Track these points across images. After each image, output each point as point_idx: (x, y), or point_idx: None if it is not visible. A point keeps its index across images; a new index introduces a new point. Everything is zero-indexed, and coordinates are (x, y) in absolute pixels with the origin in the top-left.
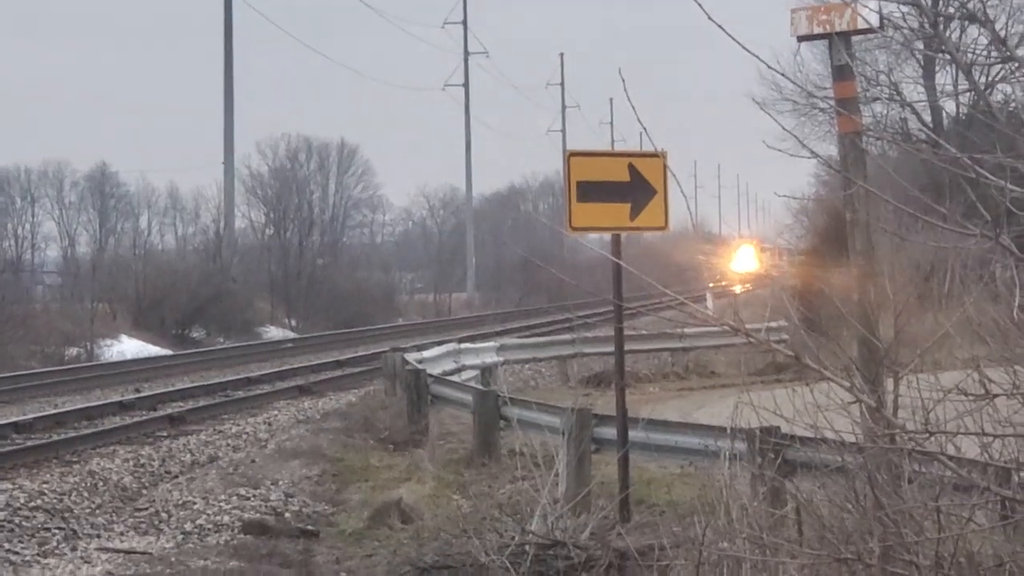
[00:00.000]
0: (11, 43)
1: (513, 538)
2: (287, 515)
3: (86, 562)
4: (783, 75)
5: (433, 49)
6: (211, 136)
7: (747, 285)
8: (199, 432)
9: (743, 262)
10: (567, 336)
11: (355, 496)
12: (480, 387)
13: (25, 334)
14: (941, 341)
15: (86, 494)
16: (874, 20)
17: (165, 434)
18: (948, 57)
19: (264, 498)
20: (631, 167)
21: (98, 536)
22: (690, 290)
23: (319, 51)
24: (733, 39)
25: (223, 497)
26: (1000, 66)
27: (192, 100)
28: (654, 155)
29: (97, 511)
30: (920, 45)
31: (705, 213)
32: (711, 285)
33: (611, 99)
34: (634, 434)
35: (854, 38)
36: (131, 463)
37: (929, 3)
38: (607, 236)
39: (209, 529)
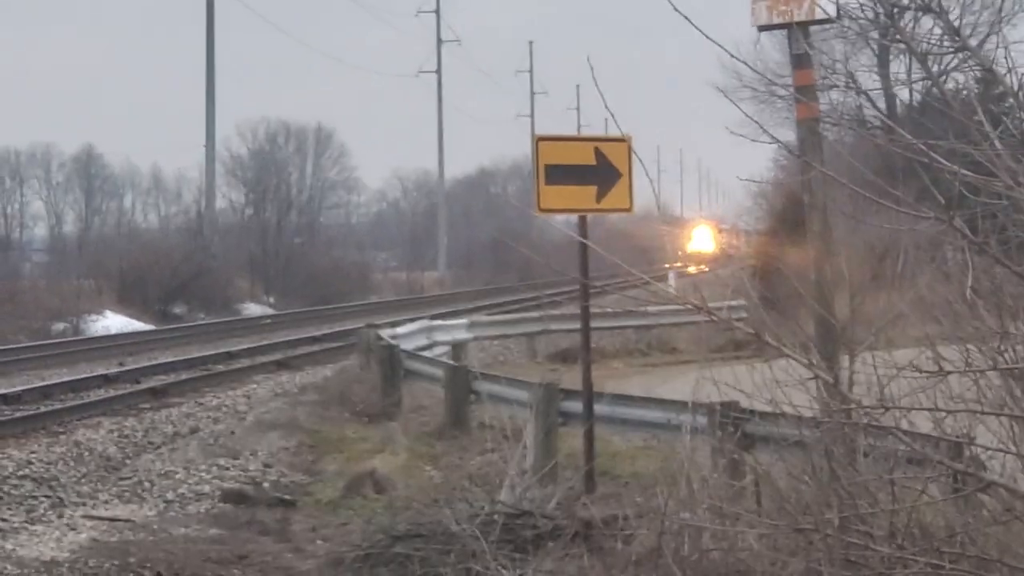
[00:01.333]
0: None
1: (483, 508)
2: (265, 485)
3: (72, 529)
4: (744, 63)
5: (407, 37)
6: (193, 120)
7: (702, 266)
8: (181, 404)
9: (700, 242)
10: (535, 313)
11: (331, 467)
12: (451, 362)
13: (13, 309)
14: (895, 320)
15: (72, 464)
16: (831, 10)
17: (148, 406)
18: (903, 46)
19: (243, 468)
20: (597, 151)
21: (83, 504)
22: (653, 270)
23: (297, 37)
24: (697, 28)
25: (203, 467)
26: (953, 55)
27: (175, 85)
28: (619, 140)
29: (83, 480)
30: (876, 35)
31: (668, 196)
32: (666, 265)
33: (578, 86)
34: (599, 408)
35: (812, 28)
36: (115, 434)
37: None
38: (574, 217)
39: (190, 498)
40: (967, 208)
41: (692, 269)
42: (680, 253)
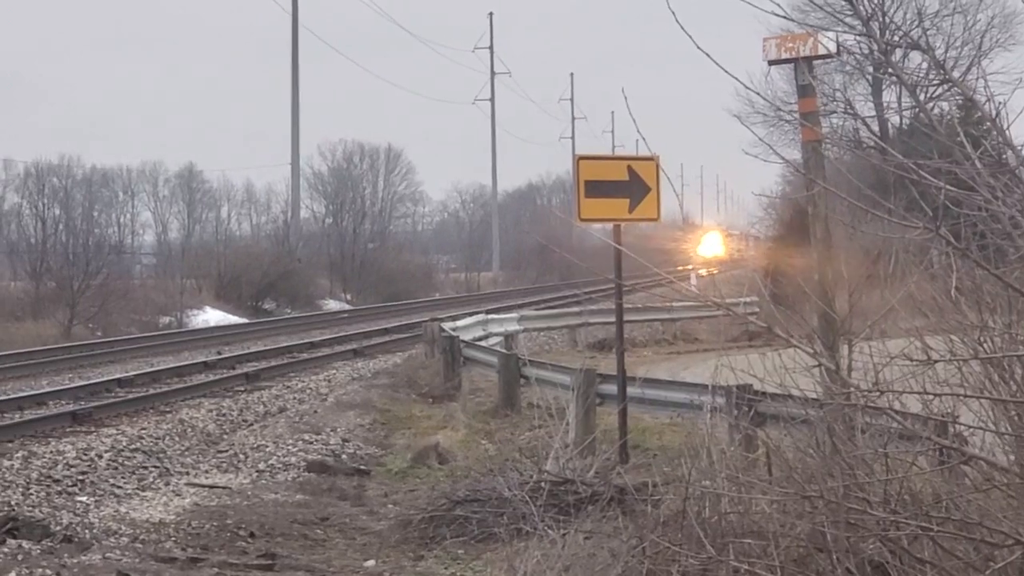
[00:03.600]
0: (114, 63)
1: (531, 476)
2: (344, 456)
3: (177, 495)
4: (756, 93)
5: (465, 69)
6: (281, 141)
7: (712, 269)
8: (271, 387)
9: (710, 247)
10: (576, 309)
11: (400, 441)
12: (504, 351)
13: (126, 305)
14: (888, 314)
15: (177, 438)
16: (832, 47)
17: (242, 389)
18: (895, 78)
19: (325, 442)
20: (629, 168)
21: (187, 473)
22: (677, 271)
23: (370, 70)
24: (716, 63)
25: (291, 441)
26: (938, 86)
27: (265, 111)
28: (648, 159)
29: (186, 452)
30: (870, 68)
31: (691, 207)
32: (681, 268)
33: (612, 112)
34: (631, 390)
35: (815, 62)
36: (214, 413)
37: (878, 33)
38: (609, 225)
39: (279, 468)
40: (951, 218)
41: (703, 272)
42: (696, 256)
